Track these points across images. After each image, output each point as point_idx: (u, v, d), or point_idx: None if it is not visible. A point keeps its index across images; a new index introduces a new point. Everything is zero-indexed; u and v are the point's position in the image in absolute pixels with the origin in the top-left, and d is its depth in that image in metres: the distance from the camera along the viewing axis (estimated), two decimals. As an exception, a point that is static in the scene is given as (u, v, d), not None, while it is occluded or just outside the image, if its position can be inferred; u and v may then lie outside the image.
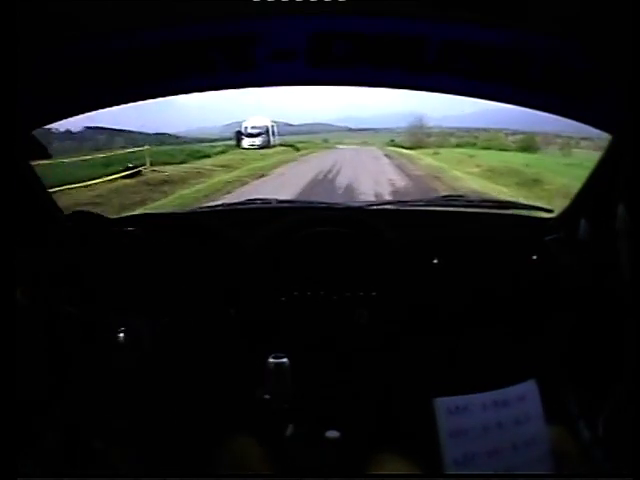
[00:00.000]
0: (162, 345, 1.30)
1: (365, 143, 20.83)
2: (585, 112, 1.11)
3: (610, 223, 1.00)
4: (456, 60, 1.03)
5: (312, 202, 1.63)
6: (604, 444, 1.00)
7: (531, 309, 1.31)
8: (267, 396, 1.16)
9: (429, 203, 1.62)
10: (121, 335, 1.27)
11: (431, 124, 19.92)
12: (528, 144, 15.20)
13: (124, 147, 12.90)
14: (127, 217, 1.50)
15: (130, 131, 14.90)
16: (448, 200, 1.64)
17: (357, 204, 1.61)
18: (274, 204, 1.60)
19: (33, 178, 1.22)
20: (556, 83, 1.04)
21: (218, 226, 1.39)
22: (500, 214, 1.58)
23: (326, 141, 21.11)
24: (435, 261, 1.35)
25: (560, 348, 1.24)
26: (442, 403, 0.86)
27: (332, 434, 1.14)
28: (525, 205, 1.64)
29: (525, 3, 0.87)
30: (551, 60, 0.99)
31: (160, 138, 17.54)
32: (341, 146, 20.42)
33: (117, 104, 1.20)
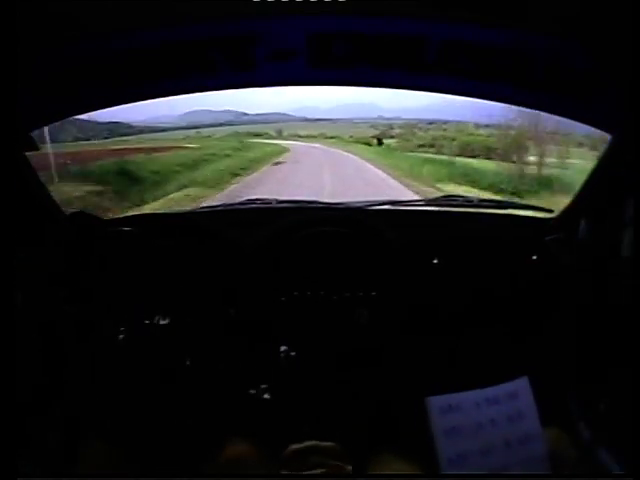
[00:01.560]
0: (162, 345, 1.30)
1: (322, 135, 18.39)
2: (585, 112, 1.11)
3: (610, 222, 1.00)
4: (456, 60, 1.03)
5: (312, 202, 1.62)
6: (604, 444, 1.00)
7: (531, 309, 1.31)
8: (267, 396, 1.16)
9: (429, 203, 1.61)
10: (120, 335, 1.27)
11: (389, 115, 18.45)
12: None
13: (77, 139, 11.09)
14: (126, 217, 1.49)
15: (82, 120, 12.11)
16: (448, 200, 1.64)
17: (357, 204, 1.61)
18: (274, 204, 1.60)
19: (32, 177, 1.22)
20: (556, 83, 1.04)
21: (217, 226, 1.39)
22: (500, 214, 1.58)
23: (280, 134, 18.71)
24: (435, 261, 1.35)
25: (560, 348, 1.24)
26: (434, 402, 0.86)
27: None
28: (525, 205, 1.64)
29: (525, 3, 0.87)
30: (551, 60, 0.99)
31: (111, 127, 15.84)
32: (293, 142, 16.44)
33: (117, 104, 1.20)
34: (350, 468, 0.92)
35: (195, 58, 1.05)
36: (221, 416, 1.22)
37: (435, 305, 1.33)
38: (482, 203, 1.60)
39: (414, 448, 0.95)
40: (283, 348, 1.27)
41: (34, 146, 1.15)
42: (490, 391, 0.89)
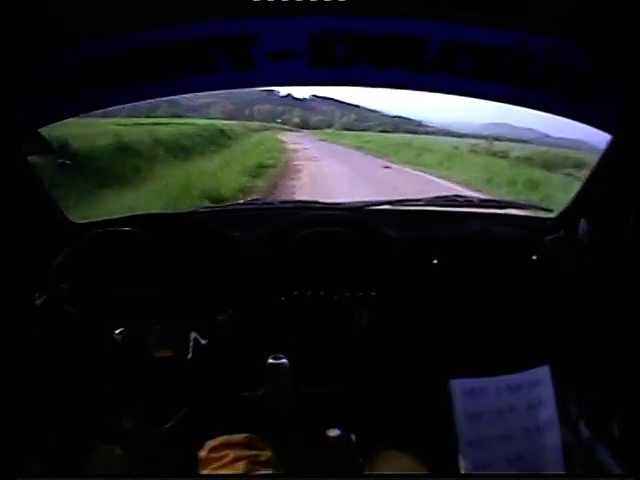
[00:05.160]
0: (161, 345, 1.30)
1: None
2: (585, 112, 1.11)
3: (610, 222, 1.00)
4: (456, 60, 1.03)
5: (312, 202, 1.62)
6: (604, 444, 1.00)
7: (531, 309, 1.31)
8: (267, 396, 1.16)
9: (429, 203, 1.61)
10: (120, 336, 1.27)
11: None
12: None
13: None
14: (128, 217, 1.49)
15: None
16: (448, 200, 1.63)
17: (357, 204, 1.61)
18: (275, 204, 1.60)
19: (33, 178, 1.22)
20: (556, 83, 1.05)
21: (219, 226, 1.39)
22: (500, 214, 1.58)
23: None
24: (435, 261, 1.35)
25: (560, 348, 1.24)
26: (459, 385, 0.87)
27: (333, 432, 1.15)
28: (525, 205, 1.64)
29: (525, 3, 0.87)
30: (551, 60, 0.99)
31: (396, 122, 15.30)
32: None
33: (117, 104, 1.20)
34: (269, 453, 0.90)
35: (195, 58, 1.05)
36: (222, 416, 1.22)
37: (435, 305, 1.33)
38: (482, 203, 1.59)
39: (416, 446, 0.95)
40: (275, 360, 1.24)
41: (47, 148, 1.14)
42: (512, 378, 0.90)
